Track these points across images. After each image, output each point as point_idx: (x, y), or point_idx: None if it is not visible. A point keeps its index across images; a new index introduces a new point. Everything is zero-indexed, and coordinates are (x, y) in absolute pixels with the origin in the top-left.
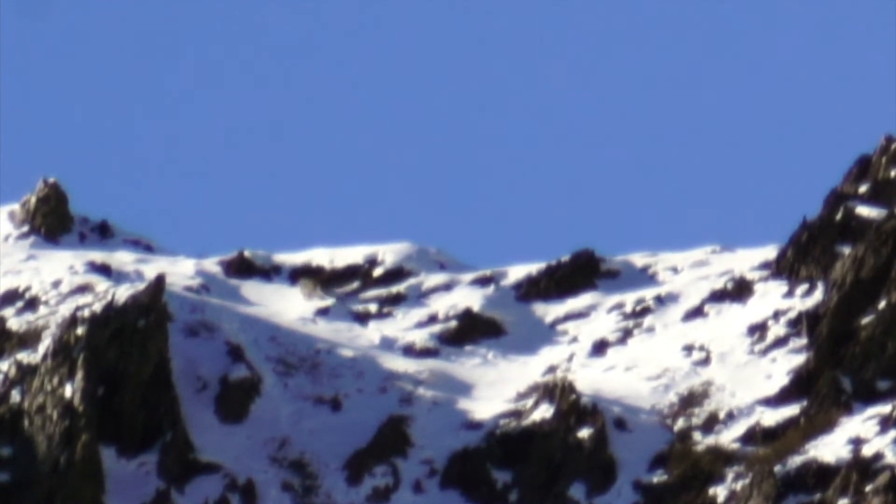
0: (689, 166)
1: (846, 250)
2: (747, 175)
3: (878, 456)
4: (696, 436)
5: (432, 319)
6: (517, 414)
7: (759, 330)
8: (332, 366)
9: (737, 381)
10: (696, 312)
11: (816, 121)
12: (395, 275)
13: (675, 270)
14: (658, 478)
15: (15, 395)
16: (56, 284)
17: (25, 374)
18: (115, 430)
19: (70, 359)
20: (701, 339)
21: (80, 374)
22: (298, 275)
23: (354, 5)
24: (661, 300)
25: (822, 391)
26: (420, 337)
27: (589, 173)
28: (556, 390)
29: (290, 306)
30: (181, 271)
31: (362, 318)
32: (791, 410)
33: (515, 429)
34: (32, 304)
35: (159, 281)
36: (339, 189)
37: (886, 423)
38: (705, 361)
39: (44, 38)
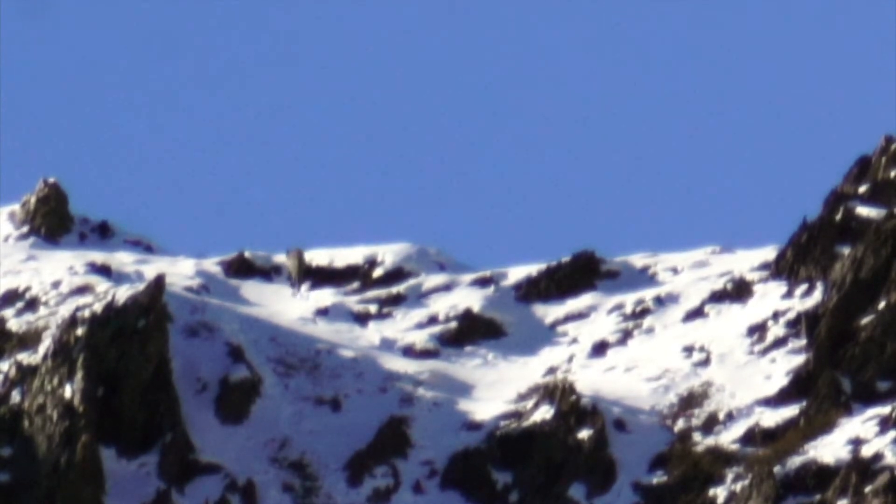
0: (689, 166)
1: (846, 251)
2: (747, 175)
3: (877, 457)
4: (696, 436)
5: (432, 320)
6: (517, 415)
7: (758, 330)
8: (332, 366)
9: (736, 382)
10: (696, 313)
11: (816, 121)
12: (395, 275)
13: (674, 271)
14: (658, 479)
15: (15, 396)
16: (56, 285)
17: (25, 374)
18: (115, 431)
19: (70, 359)
20: (700, 340)
21: (79, 375)
22: (302, 277)
23: (355, 5)
24: (660, 301)
25: (821, 392)
26: (420, 338)
27: (589, 173)
28: (557, 391)
29: (290, 307)
30: (181, 272)
31: (362, 319)
32: (790, 411)
33: (516, 430)
34: (32, 304)
35: (159, 281)
36: (339, 189)
37: (886, 424)
38: (705, 362)
39: (44, 38)
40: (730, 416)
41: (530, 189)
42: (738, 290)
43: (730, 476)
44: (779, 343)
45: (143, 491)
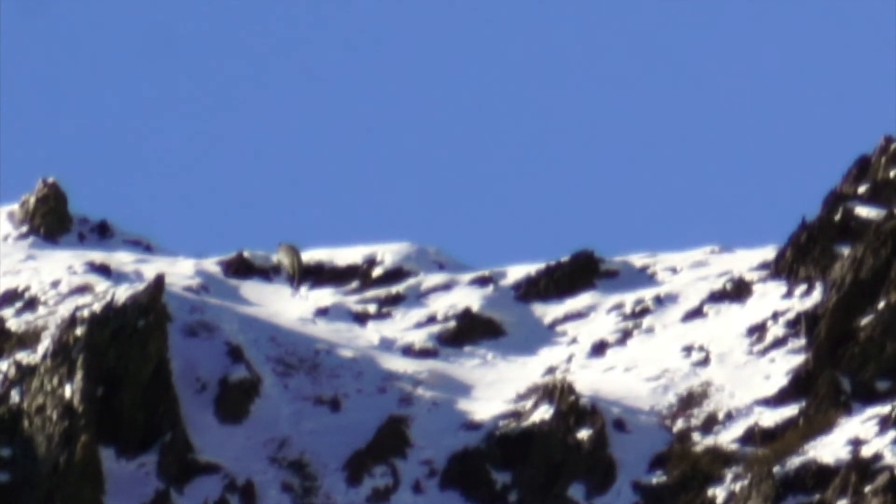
0: (689, 166)
1: (845, 251)
2: (747, 175)
3: (877, 457)
4: (695, 436)
5: (431, 320)
6: (517, 415)
7: (757, 330)
8: (331, 366)
9: (736, 382)
10: (695, 313)
11: (816, 121)
12: (394, 275)
13: (674, 271)
14: (657, 478)
15: (14, 396)
16: (55, 284)
17: (25, 374)
18: (114, 431)
19: (69, 359)
20: (700, 340)
21: (79, 375)
22: (301, 277)
23: (354, 5)
24: (660, 301)
25: (821, 392)
26: (419, 337)
27: (589, 173)
28: (556, 391)
29: (289, 306)
30: (180, 271)
31: (361, 319)
32: (790, 411)
33: (515, 429)
34: (31, 304)
35: (158, 281)
36: (339, 189)
37: (886, 424)
38: (704, 362)
39: (44, 37)
40: (729, 416)
41: (530, 189)
42: (738, 290)
43: (729, 476)
44: (778, 343)
45: (143, 491)
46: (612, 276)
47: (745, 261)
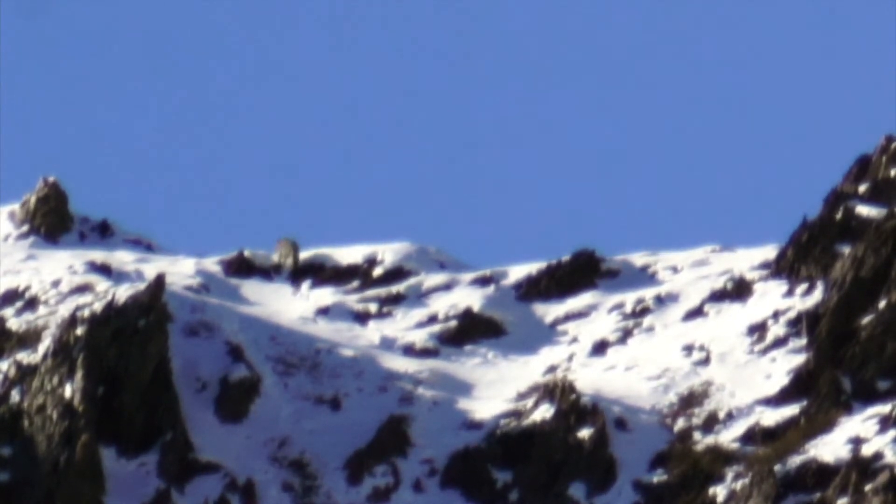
0: (689, 166)
1: (846, 250)
2: (747, 175)
3: (877, 455)
4: (696, 436)
5: (432, 319)
6: (517, 414)
7: (758, 330)
8: (332, 365)
9: (737, 381)
10: (696, 312)
11: (816, 121)
12: (395, 274)
13: (674, 270)
14: (658, 478)
15: (15, 395)
16: (56, 284)
17: (25, 373)
18: (114, 430)
19: (70, 359)
20: (701, 339)
21: (79, 374)
22: (299, 274)
23: (354, 5)
24: (661, 300)
25: (821, 391)
26: (420, 337)
27: (589, 173)
28: (557, 390)
29: (290, 306)
30: (181, 271)
31: (362, 318)
32: (791, 410)
33: (516, 429)
34: (32, 303)
35: (159, 281)
36: (339, 188)
37: (886, 423)
38: (705, 361)
39: (44, 37)
40: (730, 416)
41: (530, 188)
42: (739, 289)
43: (730, 475)
44: (779, 342)
45: (143, 490)
46: (612, 275)
47: (746, 260)
